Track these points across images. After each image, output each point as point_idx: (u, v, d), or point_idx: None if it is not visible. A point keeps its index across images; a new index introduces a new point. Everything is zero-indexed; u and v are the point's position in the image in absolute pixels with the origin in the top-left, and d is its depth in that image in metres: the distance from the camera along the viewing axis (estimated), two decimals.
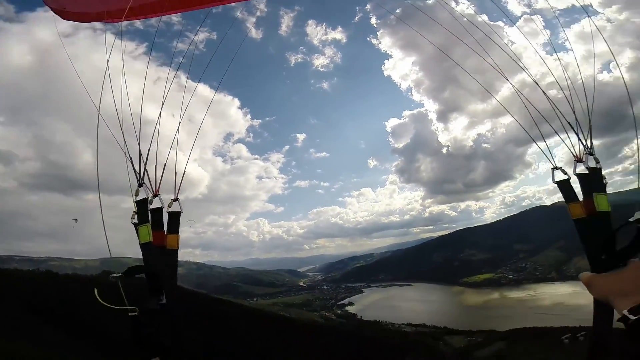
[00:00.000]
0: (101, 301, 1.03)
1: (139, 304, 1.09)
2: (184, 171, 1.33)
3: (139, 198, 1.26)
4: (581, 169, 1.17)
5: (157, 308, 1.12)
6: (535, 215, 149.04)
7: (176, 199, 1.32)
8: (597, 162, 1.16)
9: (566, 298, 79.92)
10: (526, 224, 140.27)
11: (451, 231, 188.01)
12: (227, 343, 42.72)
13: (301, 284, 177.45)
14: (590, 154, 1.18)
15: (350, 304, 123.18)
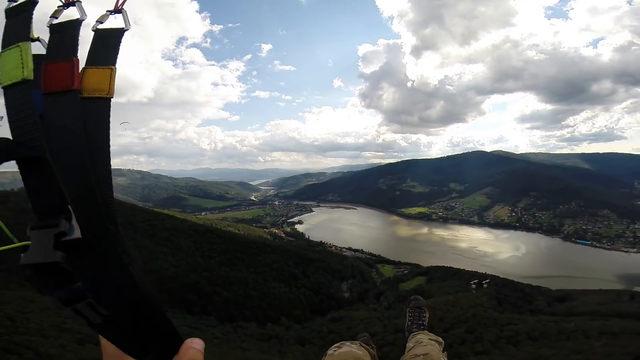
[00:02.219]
0: None
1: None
2: None
3: None
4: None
5: (56, 257, 0.42)
6: (474, 158, 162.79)
7: (119, 10, 0.63)
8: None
9: (479, 243, 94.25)
10: (464, 166, 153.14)
11: (399, 160, 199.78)
12: (170, 261, 42.74)
13: (253, 198, 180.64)
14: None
15: (300, 222, 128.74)
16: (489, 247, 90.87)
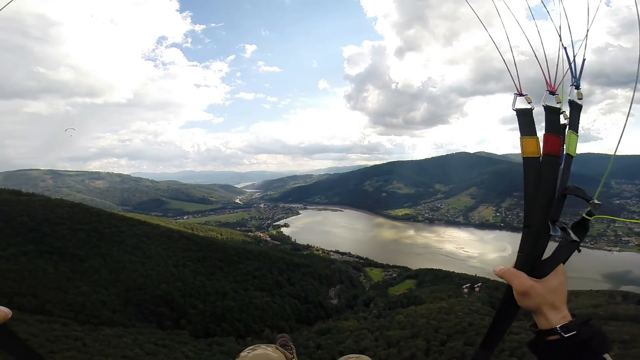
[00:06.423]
0: None
1: None
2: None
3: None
4: (551, 101, 0.93)
5: None
6: (457, 160, 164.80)
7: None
8: (580, 97, 0.91)
9: (466, 244, 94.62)
10: (448, 167, 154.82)
11: (384, 162, 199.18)
12: (139, 271, 39.34)
13: (237, 201, 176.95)
14: (577, 87, 0.91)
15: (286, 225, 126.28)
16: (475, 248, 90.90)
